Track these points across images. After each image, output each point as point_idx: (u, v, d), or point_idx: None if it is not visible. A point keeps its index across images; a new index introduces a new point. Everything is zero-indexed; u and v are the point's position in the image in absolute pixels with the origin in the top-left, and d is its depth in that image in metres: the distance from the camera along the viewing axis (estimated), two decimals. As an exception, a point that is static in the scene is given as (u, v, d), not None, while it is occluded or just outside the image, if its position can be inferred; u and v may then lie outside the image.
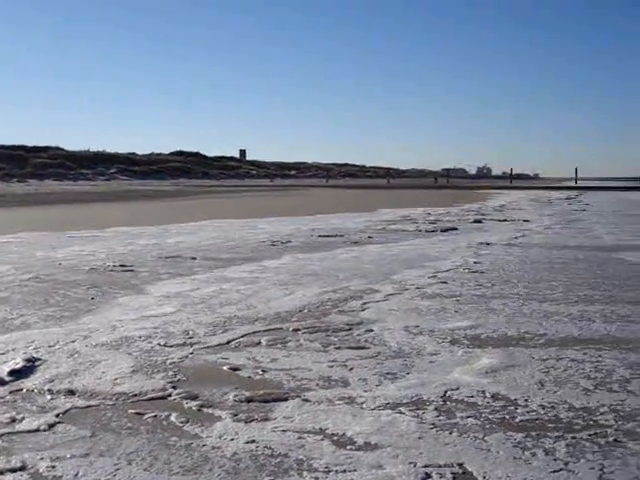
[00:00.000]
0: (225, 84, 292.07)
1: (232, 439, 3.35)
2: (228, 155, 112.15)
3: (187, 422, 3.57)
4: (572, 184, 63.35)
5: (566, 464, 3.06)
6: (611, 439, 3.34)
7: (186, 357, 4.76)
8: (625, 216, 21.09)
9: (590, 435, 3.39)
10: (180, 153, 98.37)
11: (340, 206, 25.72)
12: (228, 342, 5.18)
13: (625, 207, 27.18)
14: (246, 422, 3.57)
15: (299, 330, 5.51)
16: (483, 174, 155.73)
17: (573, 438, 3.34)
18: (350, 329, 5.57)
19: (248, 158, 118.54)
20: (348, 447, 3.24)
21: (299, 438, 3.35)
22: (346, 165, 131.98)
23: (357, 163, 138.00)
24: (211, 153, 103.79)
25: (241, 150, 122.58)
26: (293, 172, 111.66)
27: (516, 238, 13.36)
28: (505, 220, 18.50)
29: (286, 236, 13.39)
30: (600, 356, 4.79)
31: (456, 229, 15.41)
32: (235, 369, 4.50)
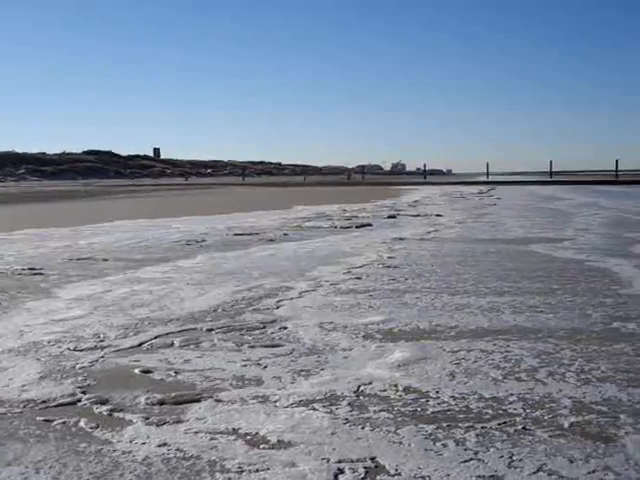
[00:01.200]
0: (138, 81, 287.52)
1: (143, 443, 3.29)
2: (142, 154, 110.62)
3: (97, 427, 3.49)
4: (484, 179, 64.73)
5: (476, 453, 3.11)
6: (519, 427, 3.42)
7: (96, 361, 4.66)
8: (534, 209, 21.66)
9: (499, 424, 3.46)
10: (92, 152, 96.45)
11: (256, 204, 25.65)
12: (140, 344, 5.09)
13: (534, 201, 27.92)
14: (158, 425, 3.51)
15: (213, 330, 5.46)
16: (398, 170, 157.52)
17: (483, 428, 3.41)
18: (264, 327, 5.55)
19: (163, 157, 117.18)
20: (261, 446, 3.23)
21: (212, 439, 3.32)
22: (262, 163, 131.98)
23: (273, 161, 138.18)
24: (124, 152, 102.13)
25: (155, 148, 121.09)
26: (209, 170, 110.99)
27: (429, 233, 13.57)
28: (418, 215, 18.78)
29: (201, 235, 13.27)
30: (509, 346, 4.91)
31: (371, 225, 15.56)
32: (147, 372, 4.42)
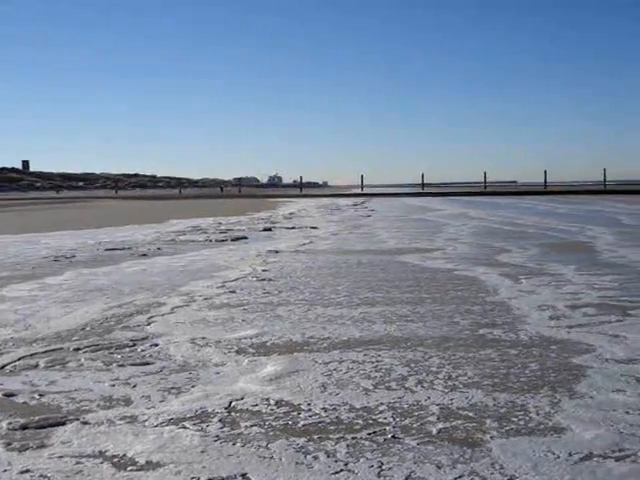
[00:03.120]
0: (5, 92, 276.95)
1: (5, 470, 3.14)
2: (9, 166, 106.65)
3: (-47, 456, 3.30)
4: (359, 191, 65.82)
5: (346, 464, 3.13)
6: (389, 436, 3.46)
7: (-46, 386, 4.42)
8: (407, 221, 22.19)
9: (369, 434, 3.49)
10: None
11: (129, 218, 25.13)
12: (2, 367, 4.86)
13: (407, 212, 28.61)
14: (20, 451, 3.36)
15: (80, 349, 5.29)
16: (274, 183, 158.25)
17: (353, 438, 3.44)
18: (134, 345, 5.42)
19: (32, 169, 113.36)
20: (129, 468, 3.14)
21: (77, 463, 3.20)
22: (136, 175, 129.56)
23: (148, 173, 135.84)
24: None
25: (24, 161, 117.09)
26: (81, 183, 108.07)
27: (304, 245, 13.66)
28: (294, 228, 18.87)
29: (71, 251, 12.87)
30: (380, 356, 4.98)
31: (246, 238, 15.52)
32: (9, 395, 4.23)
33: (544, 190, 57.88)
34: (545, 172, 64.46)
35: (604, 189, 58.07)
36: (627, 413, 3.73)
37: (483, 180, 66.22)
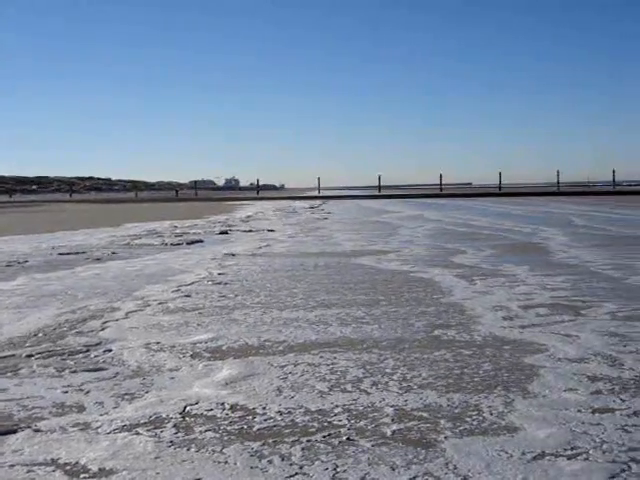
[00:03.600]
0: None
1: (-47, 480, 3.08)
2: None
3: None
4: (316, 194, 65.89)
5: (301, 468, 3.13)
6: (344, 438, 3.47)
7: None
8: (363, 223, 22.28)
9: (324, 436, 3.50)
10: None
11: (84, 221, 24.84)
12: (-48, 374, 4.77)
13: (363, 214, 28.73)
14: (-31, 461, 3.30)
15: (32, 356, 5.20)
16: (231, 186, 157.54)
17: (308, 441, 3.44)
18: (88, 351, 5.35)
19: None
20: (82, 476, 3.10)
21: (29, 472, 3.15)
22: (91, 179, 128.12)
23: (103, 177, 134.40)
24: None
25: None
26: (35, 187, 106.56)
27: (260, 248, 13.63)
28: (251, 231, 18.83)
29: (23, 255, 12.67)
30: (335, 358, 4.99)
31: (202, 241, 15.44)
32: (-41, 403, 4.15)
33: (499, 192, 58.58)
34: (500, 174, 65.31)
35: (557, 191, 59.01)
36: (579, 412, 3.79)
37: (439, 182, 66.74)
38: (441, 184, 66.62)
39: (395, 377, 4.49)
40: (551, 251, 12.11)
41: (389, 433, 3.53)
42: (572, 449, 3.29)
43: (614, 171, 64.20)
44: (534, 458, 3.20)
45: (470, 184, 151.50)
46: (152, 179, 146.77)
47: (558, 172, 65.06)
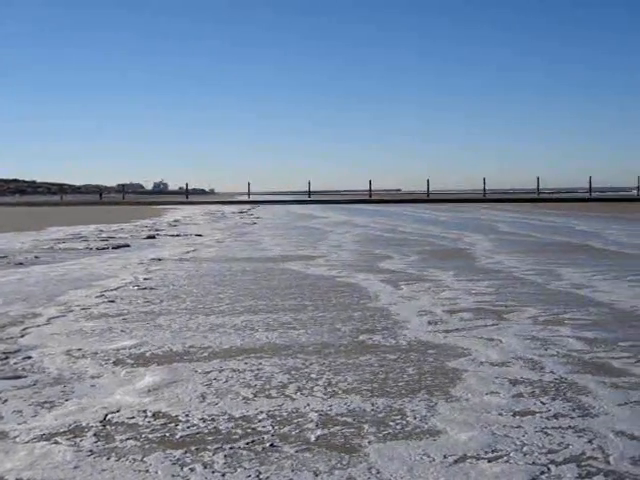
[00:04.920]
0: None
1: None
2: None
3: None
4: (246, 198, 65.68)
5: (223, 475, 3.10)
6: (267, 445, 3.45)
7: None
8: (292, 228, 22.31)
9: (248, 443, 3.47)
10: None
11: (6, 225, 24.21)
12: None
13: (292, 219, 28.76)
14: None
15: (-53, 364, 5.04)
16: (160, 189, 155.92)
17: (231, 448, 3.41)
18: (7, 358, 5.20)
19: None
20: (-4, 487, 3.01)
21: (-60, 484, 3.04)
22: (16, 181, 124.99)
23: (27, 179, 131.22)
24: None
25: None
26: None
27: (188, 253, 13.50)
28: (178, 235, 18.65)
29: (-59, 260, 12.26)
30: (261, 364, 4.97)
31: (128, 245, 15.21)
32: None
33: (427, 198, 59.44)
34: (428, 181, 66.16)
35: (483, 197, 60.16)
36: (500, 415, 3.85)
37: (369, 188, 67.30)
38: (370, 190, 67.20)
39: (320, 382, 4.49)
40: (476, 257, 12.33)
41: (313, 439, 3.52)
42: (493, 452, 3.34)
43: (538, 178, 65.66)
44: (456, 461, 3.23)
45: (399, 190, 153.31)
46: (79, 182, 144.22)
47: (484, 179, 66.15)
